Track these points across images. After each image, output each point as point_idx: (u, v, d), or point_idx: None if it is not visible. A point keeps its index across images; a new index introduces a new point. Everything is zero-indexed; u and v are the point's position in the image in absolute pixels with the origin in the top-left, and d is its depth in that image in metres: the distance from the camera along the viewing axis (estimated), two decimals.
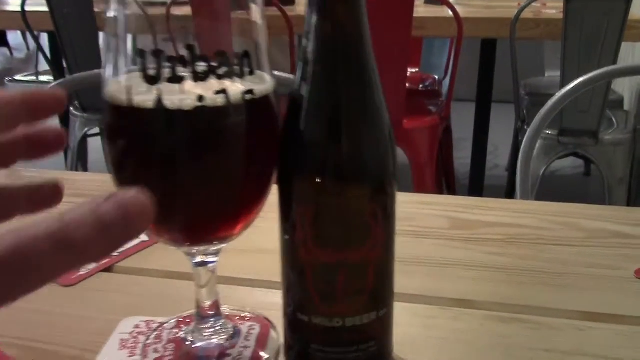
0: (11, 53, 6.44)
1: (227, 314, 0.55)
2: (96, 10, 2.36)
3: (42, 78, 5.11)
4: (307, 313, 0.45)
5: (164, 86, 0.40)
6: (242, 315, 0.56)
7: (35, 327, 0.55)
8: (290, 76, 0.82)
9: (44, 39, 3.06)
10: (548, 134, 2.27)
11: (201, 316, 0.52)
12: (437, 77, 3.17)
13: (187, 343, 0.52)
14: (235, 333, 0.53)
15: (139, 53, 0.41)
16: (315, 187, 0.42)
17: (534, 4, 2.35)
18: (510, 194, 2.67)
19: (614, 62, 2.06)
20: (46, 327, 0.55)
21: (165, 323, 0.55)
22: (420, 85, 3.14)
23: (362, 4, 0.41)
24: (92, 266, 0.65)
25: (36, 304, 0.57)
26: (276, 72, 0.46)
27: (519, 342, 0.51)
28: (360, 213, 0.43)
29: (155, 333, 0.54)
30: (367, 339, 0.46)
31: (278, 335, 0.53)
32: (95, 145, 2.77)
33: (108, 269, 0.65)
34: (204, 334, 0.52)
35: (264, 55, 0.44)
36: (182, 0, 0.43)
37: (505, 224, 0.71)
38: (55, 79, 2.74)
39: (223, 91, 0.41)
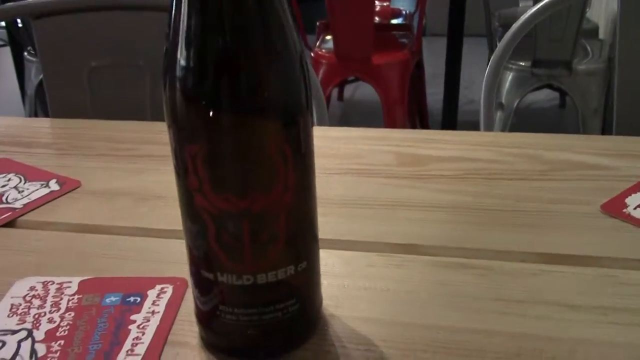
0: None
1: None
2: None
3: None
4: (212, 270, 0.38)
5: None
6: (155, 276, 0.49)
7: None
8: None
9: None
10: (521, 65, 2.20)
11: None
12: (408, 10, 3.07)
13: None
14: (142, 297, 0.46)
15: None
16: (206, 119, 0.34)
17: None
18: None
19: None
20: None
21: (66, 285, 0.48)
22: (391, 20, 3.05)
23: None
24: None
25: None
26: None
27: (465, 291, 0.45)
28: (263, 151, 0.35)
29: (52, 299, 0.47)
30: (285, 297, 0.39)
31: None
32: None
33: (9, 224, 0.57)
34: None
35: None
36: None
37: (458, 157, 0.65)
38: None
39: None
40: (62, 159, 0.70)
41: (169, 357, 0.41)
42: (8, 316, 0.45)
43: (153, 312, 0.45)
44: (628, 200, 0.55)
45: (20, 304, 0.47)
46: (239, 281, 0.38)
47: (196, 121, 0.35)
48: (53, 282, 0.49)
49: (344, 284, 0.47)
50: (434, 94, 2.98)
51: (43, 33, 0.93)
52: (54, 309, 0.46)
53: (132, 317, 0.45)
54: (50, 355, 0.42)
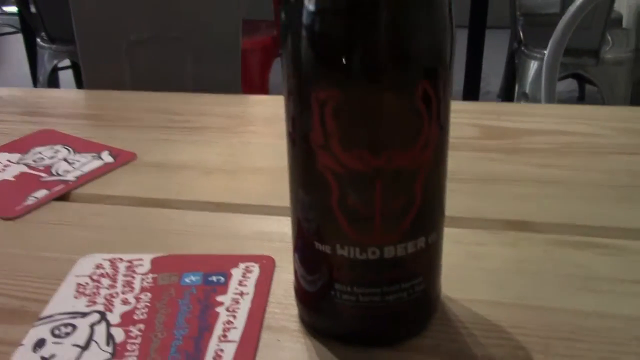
0: None
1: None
2: None
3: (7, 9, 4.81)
4: (330, 242, 0.32)
5: None
6: (235, 253, 0.44)
7: None
8: None
9: None
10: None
11: None
12: None
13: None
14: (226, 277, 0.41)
15: None
16: (345, 57, 0.29)
17: None
18: None
19: None
20: None
21: (137, 263, 0.43)
22: None
23: None
24: (41, 194, 0.51)
25: None
26: None
27: (601, 273, 0.39)
28: (407, 99, 0.29)
29: (124, 278, 0.41)
30: (412, 275, 0.33)
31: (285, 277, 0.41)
32: (66, 79, 2.59)
33: (62, 197, 0.51)
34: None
35: None
36: None
37: (550, 131, 0.59)
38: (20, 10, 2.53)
39: None
40: (112, 131, 0.64)
41: (268, 343, 0.35)
42: (75, 297, 0.40)
43: (242, 294, 0.39)
44: None
45: (88, 284, 0.41)
46: (363, 255, 0.32)
47: (331, 60, 0.29)
48: (122, 260, 0.43)
49: (455, 263, 0.41)
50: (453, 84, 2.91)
51: (79, 6, 0.87)
52: (127, 289, 0.40)
53: (219, 299, 0.39)
54: (130, 341, 0.36)
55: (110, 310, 0.38)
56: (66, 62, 2.46)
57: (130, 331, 0.37)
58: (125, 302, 0.39)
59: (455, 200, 0.47)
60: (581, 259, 0.41)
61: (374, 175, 0.30)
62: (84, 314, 0.38)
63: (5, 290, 0.40)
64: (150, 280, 0.41)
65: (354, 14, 0.28)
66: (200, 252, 0.44)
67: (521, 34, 2.48)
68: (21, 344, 0.36)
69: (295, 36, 0.30)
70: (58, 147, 0.60)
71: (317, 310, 0.35)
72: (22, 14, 2.55)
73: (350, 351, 0.34)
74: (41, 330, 0.37)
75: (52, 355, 0.35)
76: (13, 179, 0.55)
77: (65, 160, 0.57)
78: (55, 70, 2.44)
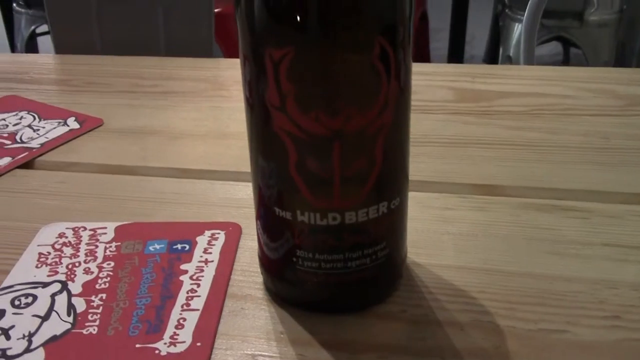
0: None
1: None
2: None
3: None
4: (290, 208, 0.32)
5: None
6: (201, 221, 0.43)
7: None
8: None
9: None
10: None
11: None
12: None
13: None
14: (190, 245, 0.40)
15: None
16: (298, 12, 0.27)
17: None
18: None
19: None
20: None
21: (100, 231, 0.42)
22: None
23: None
24: (4, 161, 0.50)
25: None
26: None
27: (568, 236, 0.39)
28: (364, 56, 0.28)
29: (87, 247, 0.40)
30: (374, 240, 0.33)
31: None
32: (46, 44, 2.54)
33: (26, 165, 0.50)
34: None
35: None
36: None
37: (524, 93, 0.58)
38: None
39: None
40: (78, 97, 0.62)
41: (232, 312, 0.35)
42: (37, 266, 0.39)
43: (206, 262, 0.39)
44: None
45: (50, 253, 0.40)
46: (323, 221, 0.31)
47: (284, 16, 0.28)
48: (85, 228, 0.42)
49: (422, 228, 0.40)
50: (437, 48, 2.90)
51: None
52: (89, 258, 0.39)
53: (183, 267, 0.38)
54: (91, 310, 0.35)
55: (72, 280, 0.38)
56: (44, 27, 2.41)
57: (92, 301, 0.36)
58: (87, 271, 0.38)
59: (425, 164, 0.47)
60: (549, 222, 0.40)
61: (332, 137, 0.29)
62: (45, 284, 0.38)
63: None
64: (113, 248, 0.40)
65: None
66: (167, 219, 0.43)
67: None
68: None
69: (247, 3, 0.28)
70: (23, 113, 0.58)
71: (280, 278, 0.35)
72: None
73: (315, 318, 0.34)
74: (1, 301, 0.36)
75: (12, 326, 0.35)
76: None
77: (30, 127, 0.56)
78: (33, 36, 2.39)
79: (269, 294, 0.36)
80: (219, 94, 0.62)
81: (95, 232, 0.42)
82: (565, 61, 3.20)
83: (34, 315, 0.35)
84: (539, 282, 0.35)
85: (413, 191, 0.43)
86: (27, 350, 0.33)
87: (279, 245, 0.34)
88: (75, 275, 0.38)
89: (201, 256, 0.39)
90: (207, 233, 0.41)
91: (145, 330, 0.34)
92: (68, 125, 0.55)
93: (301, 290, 0.34)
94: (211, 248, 0.40)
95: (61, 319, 0.35)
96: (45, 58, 0.75)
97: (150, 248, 0.40)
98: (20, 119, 0.57)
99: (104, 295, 0.36)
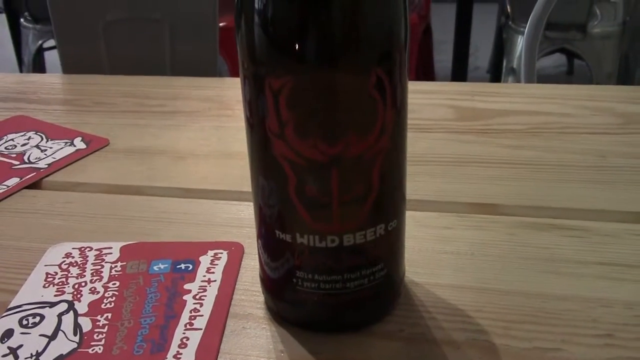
0: None
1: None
2: None
3: None
4: (290, 231, 0.33)
5: None
6: (205, 240, 0.44)
7: None
8: None
9: None
10: None
11: None
12: None
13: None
14: (194, 264, 0.41)
15: None
16: (296, 46, 0.29)
17: None
18: None
19: None
20: None
21: (106, 251, 0.43)
22: None
23: None
24: (11, 182, 0.51)
25: None
26: None
27: (564, 255, 0.40)
28: (361, 85, 0.29)
29: (92, 267, 0.41)
30: (372, 262, 0.34)
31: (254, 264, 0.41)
32: (53, 60, 2.57)
33: (34, 185, 0.51)
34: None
35: None
36: None
37: (523, 111, 0.59)
38: None
39: None
40: (85, 116, 0.64)
41: (234, 331, 0.36)
42: (44, 286, 0.40)
43: (209, 281, 0.40)
44: None
45: (57, 273, 0.41)
46: (322, 243, 0.32)
47: (283, 48, 0.29)
48: (91, 249, 0.43)
49: (421, 247, 0.41)
50: (441, 60, 2.92)
51: None
52: (95, 278, 0.40)
53: (186, 287, 0.39)
54: (97, 330, 0.36)
55: (79, 300, 0.39)
56: (51, 42, 2.43)
57: (98, 320, 0.37)
58: (93, 291, 0.39)
59: (425, 183, 0.48)
60: (545, 241, 0.41)
61: (330, 163, 0.30)
62: (52, 304, 0.38)
63: None
64: (119, 268, 0.41)
65: (303, 1, 0.28)
66: (171, 239, 0.44)
67: (509, 9, 2.47)
68: None
69: (247, 22, 0.29)
70: (31, 133, 0.60)
71: (281, 298, 0.36)
72: None
73: (315, 338, 0.35)
74: (9, 321, 0.37)
75: (20, 346, 0.35)
76: None
77: (38, 147, 0.57)
78: (40, 51, 2.41)
79: (270, 313, 0.37)
80: (223, 114, 0.63)
81: (101, 252, 0.43)
82: (569, 72, 3.21)
83: (41, 335, 0.36)
84: (534, 300, 0.36)
85: (412, 210, 0.44)
86: None
87: (279, 265, 0.34)
88: (82, 295, 0.39)
89: (204, 276, 0.40)
90: (210, 253, 0.42)
91: (149, 350, 0.34)
92: (75, 146, 0.57)
93: (301, 310, 0.35)
94: (214, 268, 0.41)
95: (68, 339, 0.36)
96: (53, 78, 0.76)
97: (155, 268, 0.41)
98: (28, 139, 0.58)
99: (109, 315, 0.37)
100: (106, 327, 0.36)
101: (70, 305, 0.38)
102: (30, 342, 0.36)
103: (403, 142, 0.33)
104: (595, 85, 0.62)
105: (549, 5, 0.97)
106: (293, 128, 0.30)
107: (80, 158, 0.55)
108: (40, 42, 2.37)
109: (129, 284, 0.40)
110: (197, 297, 0.38)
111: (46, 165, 0.54)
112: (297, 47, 0.28)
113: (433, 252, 0.41)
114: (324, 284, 0.33)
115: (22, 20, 2.35)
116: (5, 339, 0.36)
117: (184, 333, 0.36)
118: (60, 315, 0.38)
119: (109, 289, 0.39)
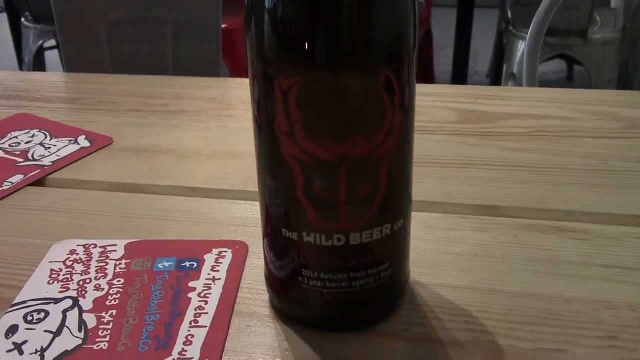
0: None
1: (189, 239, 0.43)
2: None
3: None
4: (297, 229, 0.33)
5: None
6: (209, 239, 0.44)
7: None
8: None
9: None
10: None
11: None
12: None
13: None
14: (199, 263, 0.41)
15: None
16: (307, 47, 0.29)
17: None
18: None
19: None
20: None
21: (110, 249, 0.43)
22: None
23: None
24: (17, 179, 0.51)
25: None
26: None
27: (568, 257, 0.40)
28: (370, 86, 0.30)
29: (97, 264, 0.42)
30: (378, 261, 0.34)
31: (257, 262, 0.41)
32: (53, 59, 2.57)
33: (38, 182, 0.51)
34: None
35: None
36: None
37: (526, 115, 0.59)
38: None
39: None
40: (90, 115, 0.64)
41: (239, 329, 0.36)
42: (49, 283, 0.40)
43: (214, 279, 0.40)
44: None
45: (61, 270, 0.41)
46: (328, 242, 0.32)
47: (293, 50, 0.29)
48: (95, 246, 0.43)
49: (425, 248, 0.41)
50: (441, 64, 2.92)
51: None
52: (100, 275, 0.40)
53: (191, 284, 0.39)
54: (102, 327, 0.36)
55: (83, 297, 0.39)
56: (52, 42, 2.43)
57: (103, 317, 0.37)
58: (98, 288, 0.39)
59: (429, 184, 0.48)
60: (549, 243, 0.41)
61: (338, 163, 0.30)
62: (56, 300, 0.39)
63: None
64: (123, 266, 0.41)
65: (313, 1, 0.28)
66: (175, 237, 0.44)
67: (509, 14, 2.47)
68: None
69: (258, 22, 0.30)
70: (35, 131, 0.60)
71: (286, 296, 0.36)
72: None
73: (320, 336, 0.35)
74: (14, 317, 0.37)
75: (25, 342, 0.36)
76: None
77: (42, 145, 0.57)
78: (41, 50, 2.41)
79: (275, 311, 0.37)
80: (226, 114, 0.63)
81: (106, 249, 0.43)
82: (570, 78, 3.21)
83: (46, 331, 0.36)
84: (538, 302, 0.36)
85: (417, 211, 0.44)
86: None
87: (285, 264, 0.35)
88: (86, 291, 0.39)
89: (209, 274, 0.40)
90: (215, 251, 0.42)
91: (154, 347, 0.35)
92: (79, 144, 0.57)
93: (306, 308, 0.35)
94: (218, 266, 0.41)
95: (73, 335, 0.36)
96: (57, 76, 0.76)
97: (159, 266, 0.41)
98: (32, 136, 0.58)
99: (114, 312, 0.37)
100: (111, 324, 0.36)
101: (75, 302, 0.38)
102: (35, 337, 0.36)
103: (410, 143, 0.33)
104: (598, 90, 0.62)
105: (551, 11, 0.97)
106: (302, 127, 0.30)
107: (85, 156, 0.55)
108: (41, 41, 2.37)
109: (133, 282, 0.40)
110: (202, 295, 0.38)
111: (50, 163, 0.54)
112: (307, 48, 0.29)
113: (437, 253, 0.41)
114: (329, 283, 0.34)
115: (23, 19, 2.35)
116: (10, 335, 0.36)
117: (189, 330, 0.36)
118: (65, 312, 0.38)
119: (113, 286, 0.39)
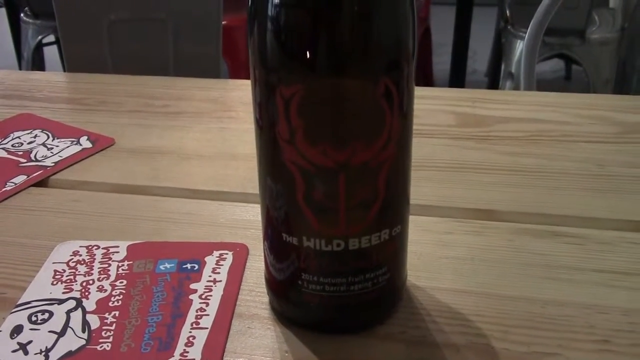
0: None
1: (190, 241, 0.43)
2: None
3: None
4: (297, 234, 0.34)
5: None
6: (210, 241, 0.45)
7: None
8: None
9: None
10: None
11: None
12: None
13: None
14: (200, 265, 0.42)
15: None
16: (308, 56, 0.29)
17: None
18: None
19: None
20: None
21: (113, 250, 0.44)
22: None
23: None
24: (19, 179, 0.52)
25: None
26: None
27: (562, 261, 0.41)
28: (369, 94, 0.30)
29: (100, 265, 0.42)
30: (376, 266, 0.35)
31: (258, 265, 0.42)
32: (52, 55, 2.57)
33: (41, 183, 0.52)
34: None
35: None
36: None
37: (523, 119, 0.60)
38: None
39: None
40: (92, 115, 0.64)
41: (239, 331, 0.36)
42: (52, 283, 0.41)
43: (214, 281, 0.40)
44: None
45: (64, 271, 0.42)
46: (328, 246, 0.33)
47: (295, 58, 0.30)
48: (98, 247, 0.44)
49: (422, 252, 0.42)
50: (439, 63, 2.93)
51: None
52: (102, 276, 0.41)
53: (192, 286, 0.40)
54: (105, 327, 0.37)
55: (87, 297, 0.39)
56: (51, 37, 2.43)
57: (105, 318, 0.38)
58: (100, 289, 0.40)
59: (426, 188, 0.49)
60: (543, 247, 0.42)
61: (338, 169, 0.31)
62: (60, 301, 0.39)
63: None
64: (125, 267, 0.42)
65: (314, 11, 0.29)
66: (176, 239, 0.45)
67: (508, 13, 2.48)
68: None
69: (260, 30, 0.30)
70: (37, 132, 0.60)
71: (285, 299, 0.37)
72: None
73: (318, 338, 0.36)
74: (18, 317, 0.38)
75: (29, 342, 0.36)
76: None
77: (44, 145, 0.57)
78: (40, 46, 2.41)
79: (275, 314, 0.38)
80: (227, 115, 0.64)
81: (108, 250, 0.44)
82: (567, 78, 3.22)
83: (50, 331, 0.37)
84: (532, 306, 0.37)
85: (414, 215, 0.45)
86: None
87: (285, 267, 0.35)
88: (89, 292, 0.40)
89: (210, 276, 0.41)
90: (216, 253, 0.43)
91: (156, 348, 0.35)
92: (81, 144, 0.57)
93: (305, 311, 0.36)
94: (219, 268, 0.42)
95: (76, 335, 0.37)
96: (59, 76, 0.77)
97: (161, 267, 0.42)
98: (35, 137, 0.59)
99: (117, 313, 0.38)
100: (114, 324, 0.37)
101: (79, 303, 0.39)
102: (40, 338, 0.36)
103: (409, 150, 0.34)
104: (594, 94, 0.63)
105: (550, 11, 0.98)
106: (303, 134, 0.31)
107: (87, 157, 0.55)
108: (40, 37, 2.37)
109: (136, 283, 0.40)
110: (203, 296, 0.39)
111: (53, 164, 0.54)
112: (309, 57, 0.29)
113: (434, 257, 0.42)
114: (328, 287, 0.34)
115: (22, 15, 2.35)
116: (15, 335, 0.37)
117: (190, 332, 0.36)
118: (68, 312, 0.38)
119: (116, 287, 0.40)
